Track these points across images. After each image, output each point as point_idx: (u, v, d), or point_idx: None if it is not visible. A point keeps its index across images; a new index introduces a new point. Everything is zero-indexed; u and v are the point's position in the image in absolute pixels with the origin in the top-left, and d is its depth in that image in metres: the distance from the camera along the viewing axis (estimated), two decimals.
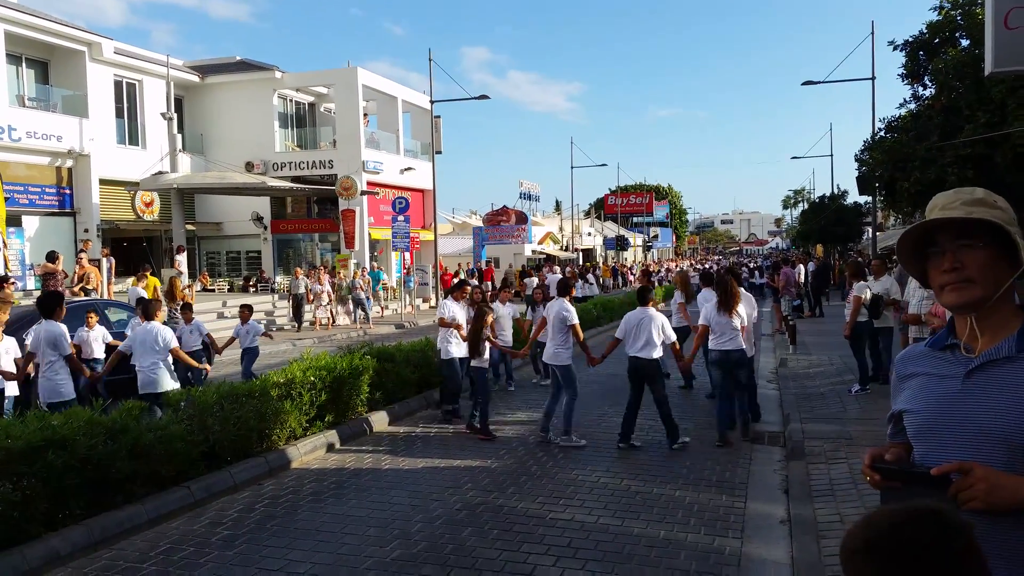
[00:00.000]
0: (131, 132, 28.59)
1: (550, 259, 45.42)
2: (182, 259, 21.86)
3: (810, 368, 12.86)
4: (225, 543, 5.58)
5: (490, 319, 9.16)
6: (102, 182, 26.29)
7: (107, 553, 5.41)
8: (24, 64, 25.49)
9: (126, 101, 28.39)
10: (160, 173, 26.88)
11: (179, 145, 27.66)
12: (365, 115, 33.28)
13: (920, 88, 17.71)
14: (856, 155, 20.99)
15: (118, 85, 27.89)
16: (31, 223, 24.35)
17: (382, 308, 26.87)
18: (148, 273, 17.64)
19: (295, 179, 31.05)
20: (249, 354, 11.38)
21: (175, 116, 27.15)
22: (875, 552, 1.29)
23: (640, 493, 6.63)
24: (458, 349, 9.71)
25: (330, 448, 8.27)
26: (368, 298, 23.48)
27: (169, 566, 5.18)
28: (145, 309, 8.58)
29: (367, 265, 28.67)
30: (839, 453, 7.46)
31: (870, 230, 31.92)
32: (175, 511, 6.18)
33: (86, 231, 25.73)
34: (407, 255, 27.34)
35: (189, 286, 18.79)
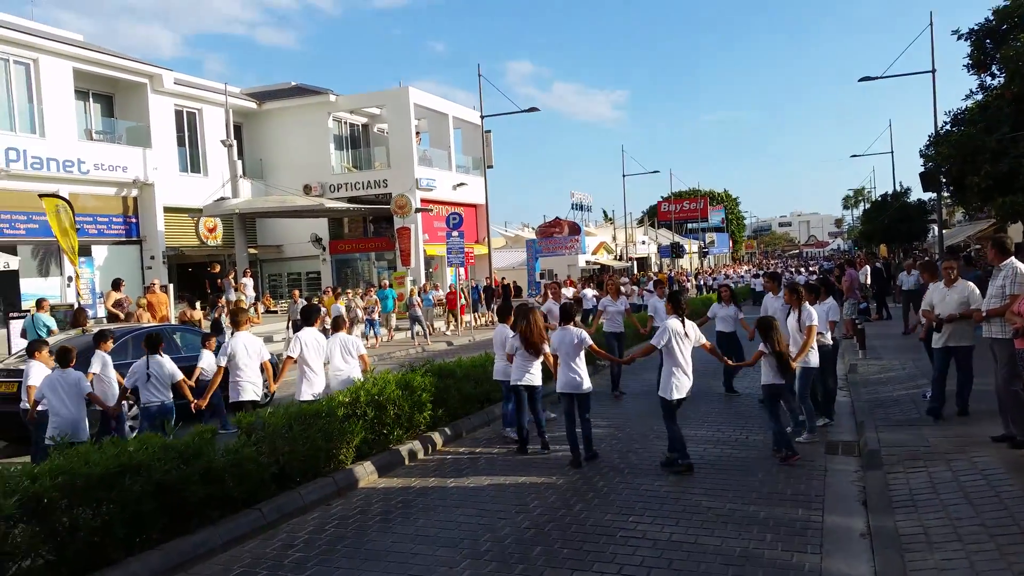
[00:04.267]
0: (193, 160, 29.47)
1: (604, 269, 45.19)
2: (248, 282, 22.32)
3: (881, 373, 12.47)
4: (297, 565, 5.62)
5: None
6: (166, 210, 27.13)
7: None
8: (91, 99, 26.52)
9: (187, 130, 29.29)
10: (222, 199, 27.62)
11: (239, 171, 28.41)
12: (417, 133, 33.70)
13: (988, 78, 17.06)
14: (921, 150, 20.42)
15: (179, 114, 28.80)
16: (100, 252, 25.26)
17: (390, 331, 24.32)
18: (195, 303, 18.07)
19: (351, 199, 31.58)
20: None
21: (235, 143, 27.91)
22: None
23: (712, 508, 6.47)
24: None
25: (396, 466, 8.30)
26: (375, 320, 22.43)
27: None
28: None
29: (423, 281, 28.90)
30: (918, 462, 7.18)
31: (935, 227, 30.95)
32: (248, 533, 6.26)
33: (152, 258, 26.56)
34: (462, 270, 27.49)
35: (253, 305, 19.14)
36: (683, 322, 7.77)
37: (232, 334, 9.15)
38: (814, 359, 8.68)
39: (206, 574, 5.54)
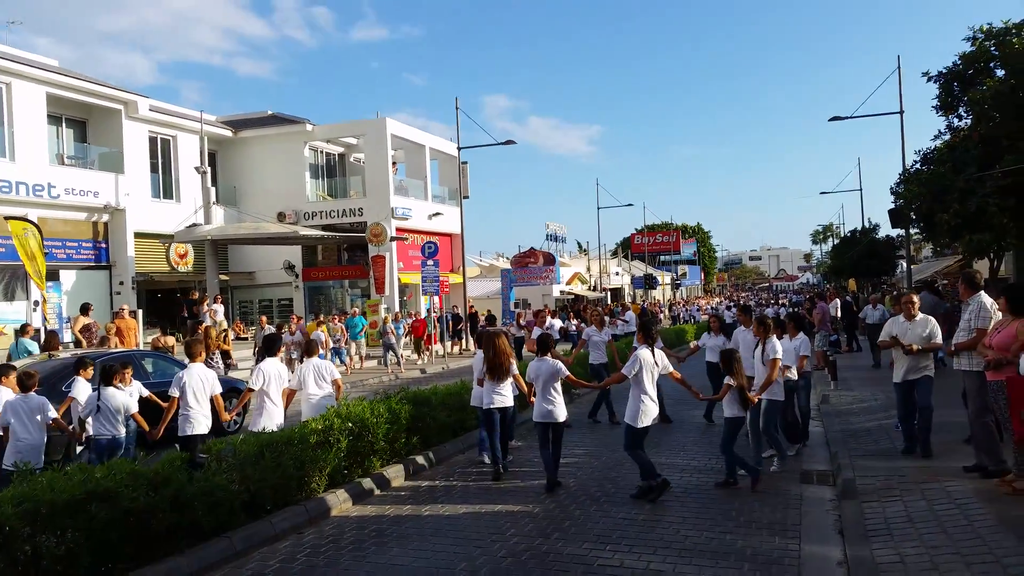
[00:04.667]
0: (165, 186, 29.23)
1: (578, 299, 45.33)
2: (219, 308, 22.06)
3: (853, 404, 12.57)
4: None
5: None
6: (137, 235, 26.83)
7: None
8: (64, 124, 26.27)
9: (160, 156, 29.08)
10: (194, 225, 27.38)
11: (212, 198, 28.22)
12: (394, 163, 33.76)
13: (955, 119, 17.56)
14: (892, 187, 20.83)
15: (153, 141, 28.60)
16: (68, 277, 24.85)
17: (361, 358, 23.74)
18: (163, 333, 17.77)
19: (326, 227, 31.45)
20: None
21: (208, 170, 27.76)
22: None
23: (690, 537, 6.43)
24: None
25: (369, 495, 8.18)
26: (342, 349, 21.73)
27: None
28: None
29: (397, 310, 28.76)
30: (892, 491, 7.21)
31: (904, 263, 31.49)
32: (217, 562, 6.11)
33: (121, 283, 26.20)
34: (436, 299, 27.41)
35: (224, 333, 18.82)
36: (652, 351, 7.85)
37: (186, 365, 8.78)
38: (780, 392, 8.73)
39: None
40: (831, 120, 26.26)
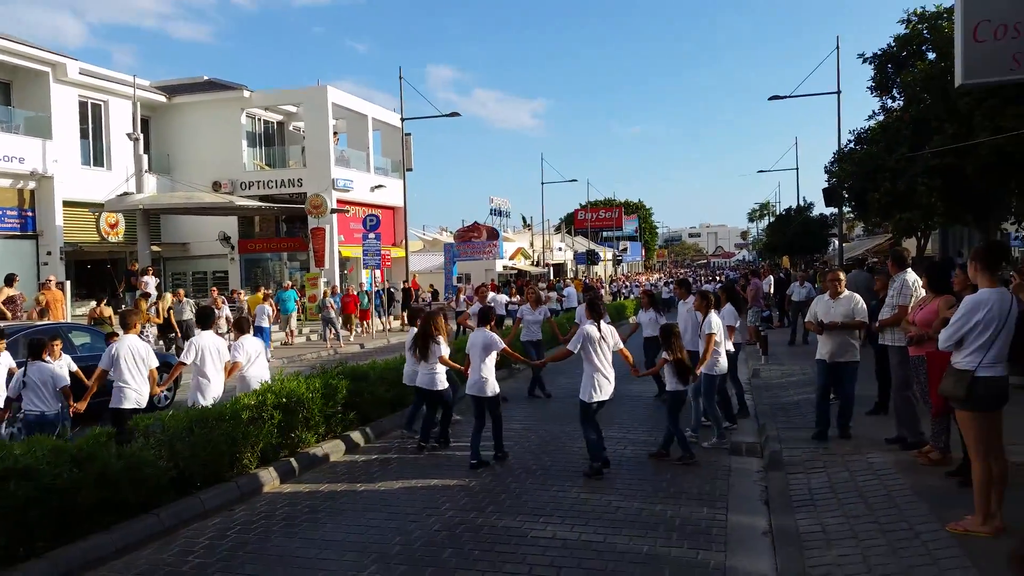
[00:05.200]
0: (96, 153, 28.17)
1: (521, 274, 45.46)
2: (150, 280, 21.42)
3: (783, 378, 12.92)
4: (197, 572, 5.40)
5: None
6: (66, 204, 25.85)
7: None
8: None
9: (91, 122, 27.98)
10: (126, 194, 26.51)
11: (145, 166, 27.31)
12: (335, 133, 33.14)
13: (889, 100, 17.99)
14: (826, 167, 21.30)
15: (83, 106, 27.49)
16: None
17: (291, 334, 23.16)
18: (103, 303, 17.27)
19: (263, 198, 30.76)
20: None
21: (141, 136, 26.83)
22: None
23: (621, 508, 6.55)
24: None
25: (303, 471, 8.09)
26: (267, 327, 20.16)
27: None
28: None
29: (337, 284, 28.40)
30: (817, 463, 7.45)
31: (836, 241, 32.36)
32: (144, 540, 5.98)
33: (49, 253, 25.26)
34: (378, 272, 27.13)
35: (156, 303, 18.25)
36: (599, 327, 7.83)
37: (119, 336, 8.48)
38: (719, 366, 8.89)
39: None
40: (771, 99, 26.75)
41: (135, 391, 8.03)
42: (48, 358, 8.15)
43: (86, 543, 5.63)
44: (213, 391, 8.41)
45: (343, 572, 5.33)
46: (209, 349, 8.43)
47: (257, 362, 9.02)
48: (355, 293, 25.24)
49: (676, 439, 8.11)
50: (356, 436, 9.31)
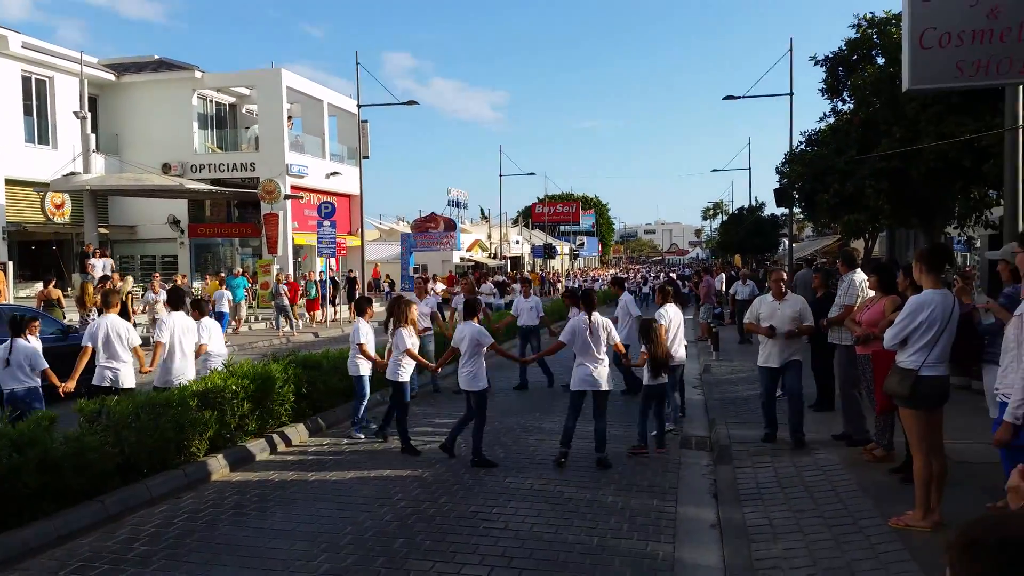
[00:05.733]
0: (41, 131, 27.34)
1: (478, 266, 45.42)
2: (98, 263, 20.88)
3: (733, 374, 13.13)
4: (142, 560, 5.29)
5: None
6: (8, 182, 25.09)
7: (12, 575, 5.06)
8: None
9: (35, 98, 27.15)
10: (72, 174, 25.78)
11: (92, 145, 26.58)
12: (289, 118, 32.66)
13: (839, 103, 18.32)
14: (777, 167, 21.64)
15: (26, 81, 26.65)
16: None
17: (237, 322, 22.27)
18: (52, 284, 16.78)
19: (215, 182, 30.19)
20: None
21: (88, 115, 26.09)
22: (980, 550, 1.31)
23: (573, 499, 6.60)
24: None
25: (253, 460, 7.98)
26: (227, 313, 20.20)
27: None
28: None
29: (291, 271, 28.02)
30: (764, 457, 7.60)
31: (787, 241, 32.98)
32: (87, 527, 5.85)
33: None
34: (332, 261, 26.85)
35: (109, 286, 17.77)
36: (590, 318, 7.81)
37: (99, 315, 8.45)
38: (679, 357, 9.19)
39: (38, 570, 5.13)
40: (725, 99, 27.05)
41: (118, 369, 7.93)
42: (31, 336, 7.96)
43: (27, 531, 5.48)
44: (187, 372, 8.37)
45: (292, 561, 5.27)
46: (181, 329, 8.37)
47: (219, 344, 9.23)
48: (295, 281, 24.36)
49: (641, 433, 8.24)
50: (308, 425, 9.21)
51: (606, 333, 7.87)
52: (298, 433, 8.95)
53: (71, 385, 7.95)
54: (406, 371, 8.53)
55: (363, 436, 9.05)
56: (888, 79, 14.78)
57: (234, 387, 7.94)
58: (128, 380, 7.98)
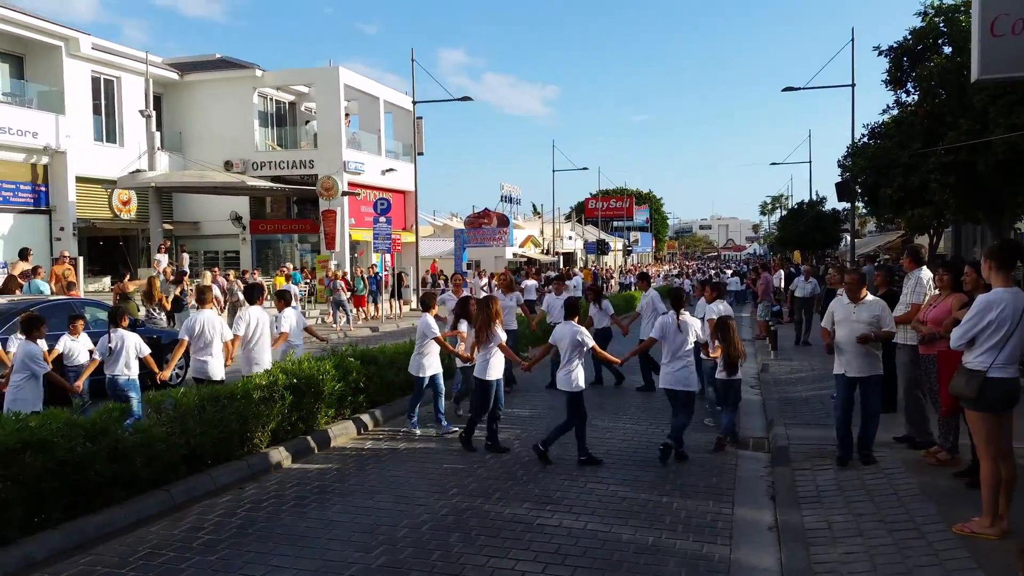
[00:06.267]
0: (108, 129, 28.26)
1: (531, 262, 45.44)
2: (163, 258, 21.56)
3: (791, 374, 12.90)
4: (206, 548, 5.47)
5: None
6: (78, 180, 25.98)
7: (85, 558, 5.27)
8: None
9: (104, 98, 28.06)
10: (138, 171, 26.60)
11: (157, 143, 27.40)
12: (347, 115, 33.13)
13: (903, 95, 17.81)
14: (839, 160, 21.18)
15: (95, 81, 27.56)
16: (5, 221, 23.99)
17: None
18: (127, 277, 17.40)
19: (275, 179, 30.82)
20: None
21: (153, 114, 26.91)
22: None
23: (628, 499, 6.58)
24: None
25: (313, 452, 8.16)
26: (296, 307, 20.35)
27: (149, 572, 5.06)
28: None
29: (347, 268, 28.44)
30: (824, 459, 7.46)
31: (848, 236, 32.22)
32: (155, 515, 6.06)
33: (62, 229, 25.43)
34: (388, 257, 27.17)
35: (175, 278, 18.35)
36: (678, 316, 8.00)
37: (197, 310, 8.95)
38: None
39: (110, 555, 5.33)
40: (784, 91, 26.47)
41: (207, 361, 8.49)
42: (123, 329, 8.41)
43: (99, 516, 5.71)
44: (264, 362, 8.89)
45: (351, 553, 5.38)
46: (257, 321, 8.96)
47: (297, 334, 9.91)
48: (344, 277, 24.48)
49: (724, 426, 8.35)
50: (366, 419, 9.37)
51: (693, 331, 7.99)
52: (356, 427, 9.10)
53: (166, 374, 8.67)
54: (496, 369, 8.32)
55: (419, 432, 9.03)
56: (955, 69, 14.34)
57: (294, 380, 8.13)
58: (218, 372, 8.55)
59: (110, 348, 8.16)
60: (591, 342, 8.03)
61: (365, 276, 25.31)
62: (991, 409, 5.15)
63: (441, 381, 9.27)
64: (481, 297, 9.33)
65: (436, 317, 9.27)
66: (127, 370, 8.23)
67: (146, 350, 8.46)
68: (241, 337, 8.83)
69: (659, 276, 43.05)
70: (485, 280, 26.24)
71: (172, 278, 17.91)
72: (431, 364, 9.08)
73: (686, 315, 8.06)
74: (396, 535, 5.73)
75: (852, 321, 7.12)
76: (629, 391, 11.87)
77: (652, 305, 12.02)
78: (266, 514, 6.22)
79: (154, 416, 6.90)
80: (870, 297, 7.30)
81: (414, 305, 28.45)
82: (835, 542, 5.40)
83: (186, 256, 23.81)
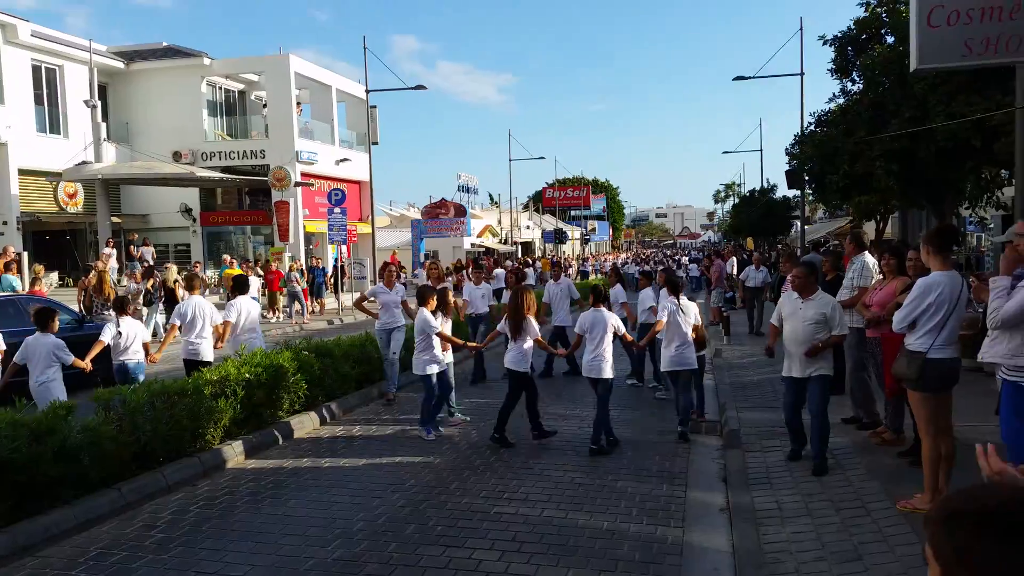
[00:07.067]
0: (52, 120, 27.47)
1: (489, 252, 45.43)
2: (111, 252, 21.08)
3: (743, 358, 13.14)
4: (159, 546, 5.40)
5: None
6: (21, 172, 25.25)
7: (32, 561, 5.17)
8: None
9: (46, 87, 27.25)
10: (84, 163, 25.94)
11: (103, 134, 26.73)
12: (298, 104, 32.68)
13: (849, 83, 18.14)
14: (787, 149, 21.48)
15: (36, 70, 26.75)
16: None
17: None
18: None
19: (225, 169, 30.28)
20: None
21: (99, 104, 26.22)
22: (959, 522, 1.32)
23: (583, 485, 6.66)
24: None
25: (267, 447, 8.08)
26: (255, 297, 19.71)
27: (100, 572, 4.98)
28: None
29: (301, 259, 28.11)
30: (774, 441, 7.62)
31: (799, 223, 32.81)
32: (105, 515, 5.95)
33: (5, 223, 24.70)
34: (343, 248, 26.92)
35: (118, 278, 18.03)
36: (678, 299, 8.53)
37: (184, 297, 9.58)
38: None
39: (59, 556, 5.24)
40: (735, 79, 26.79)
41: (199, 344, 8.91)
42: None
43: (47, 517, 5.59)
44: (256, 347, 9.23)
45: (306, 547, 5.36)
46: (249, 310, 9.51)
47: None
48: (276, 269, 23.39)
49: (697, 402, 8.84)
50: (321, 412, 9.30)
51: (692, 315, 8.52)
52: (311, 420, 9.04)
53: (157, 357, 9.05)
54: (526, 361, 8.16)
55: (433, 436, 8.46)
56: (897, 59, 14.65)
57: (247, 375, 8.04)
58: (208, 354, 8.94)
59: (119, 332, 8.55)
60: (623, 329, 8.38)
61: (302, 269, 24.32)
62: (931, 389, 5.31)
63: (451, 377, 8.96)
64: (516, 286, 9.15)
65: (433, 312, 8.79)
66: (136, 355, 8.72)
67: (148, 336, 9.14)
68: (232, 324, 9.21)
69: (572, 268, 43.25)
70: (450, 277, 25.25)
71: (140, 274, 17.48)
72: (436, 360, 8.61)
73: (684, 300, 8.62)
74: (352, 528, 5.72)
75: (798, 319, 6.66)
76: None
77: (614, 296, 11.73)
78: (220, 511, 6.16)
79: (102, 414, 6.77)
80: (822, 294, 6.77)
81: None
82: (784, 522, 5.53)
83: (151, 249, 23.12)
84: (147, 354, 8.91)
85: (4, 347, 8.49)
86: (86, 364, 8.16)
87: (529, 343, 8.10)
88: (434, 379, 8.55)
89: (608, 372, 7.92)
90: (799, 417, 6.90)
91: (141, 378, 8.45)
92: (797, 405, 6.83)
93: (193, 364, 8.74)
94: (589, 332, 8.02)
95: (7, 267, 13.76)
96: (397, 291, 10.65)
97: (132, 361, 8.68)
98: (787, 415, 6.98)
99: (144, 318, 15.72)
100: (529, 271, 24.51)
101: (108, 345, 8.52)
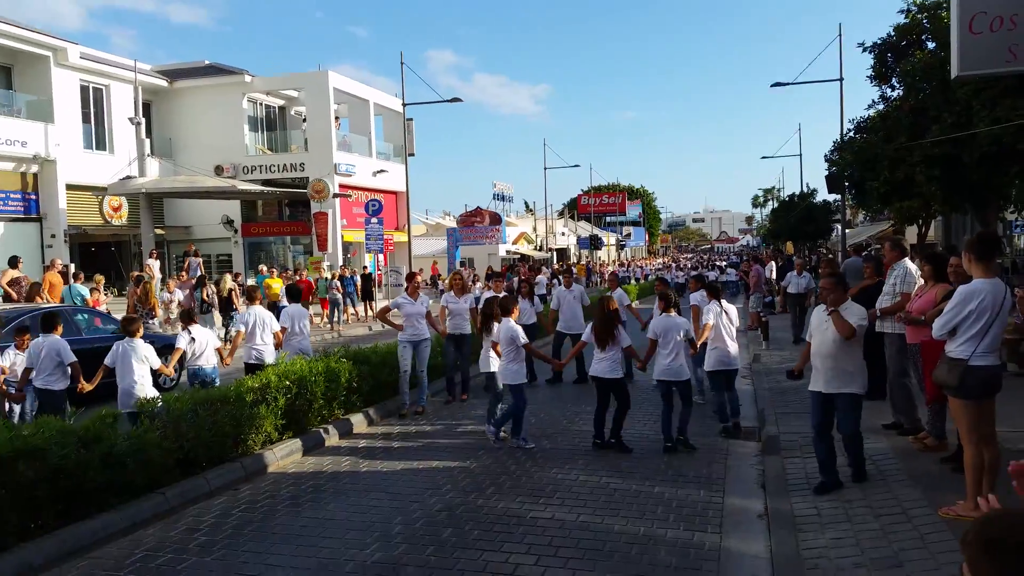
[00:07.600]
0: (98, 137, 28.25)
1: (524, 259, 45.51)
2: (154, 263, 21.58)
3: (783, 363, 12.97)
4: (203, 549, 5.52)
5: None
6: (69, 187, 25.97)
7: (82, 563, 5.32)
8: None
9: (93, 106, 28.04)
10: (128, 178, 26.61)
11: (147, 150, 27.43)
12: (336, 118, 33.16)
13: (888, 89, 17.95)
14: (826, 155, 21.31)
15: (84, 90, 27.54)
16: None
17: None
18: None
19: (266, 182, 30.84)
20: None
21: (143, 121, 26.92)
22: (1000, 551, 1.36)
23: (619, 490, 6.65)
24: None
25: (307, 452, 8.21)
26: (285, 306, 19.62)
27: (145, 574, 5.11)
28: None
29: (338, 268, 28.43)
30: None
31: (839, 227, 32.35)
32: (150, 519, 6.10)
33: (53, 236, 25.42)
34: (380, 257, 27.21)
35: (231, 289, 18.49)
36: (720, 303, 8.91)
37: (247, 308, 10.22)
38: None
39: (106, 559, 5.38)
40: (773, 86, 26.61)
41: (262, 349, 9.64)
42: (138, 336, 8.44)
43: (94, 522, 5.75)
44: (307, 351, 10.05)
45: (345, 550, 5.44)
46: (298, 316, 10.27)
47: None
48: (308, 278, 23.24)
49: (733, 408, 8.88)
50: (359, 418, 9.42)
51: (735, 317, 8.93)
52: (350, 426, 9.15)
53: (229, 360, 9.72)
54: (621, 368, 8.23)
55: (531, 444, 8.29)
56: (938, 65, 14.46)
57: (287, 382, 8.18)
58: (269, 357, 9.58)
59: (192, 340, 9.04)
60: (693, 334, 8.52)
61: (337, 277, 24.38)
62: (972, 397, 5.22)
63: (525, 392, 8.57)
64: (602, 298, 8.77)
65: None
66: (210, 361, 9.18)
67: (218, 344, 9.54)
68: (288, 330, 10.02)
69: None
70: (480, 283, 25.09)
71: (192, 282, 18.09)
72: (523, 372, 8.52)
73: (725, 303, 9.00)
74: (390, 532, 5.79)
75: (825, 332, 6.21)
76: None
77: (620, 301, 11.52)
78: (261, 514, 6.27)
79: (147, 422, 6.94)
80: (852, 305, 6.28)
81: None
82: (823, 528, 5.47)
83: (199, 260, 23.39)
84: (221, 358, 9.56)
85: (6, 364, 8.58)
86: (170, 370, 9.43)
87: (621, 352, 8.11)
88: (518, 389, 8.37)
89: (687, 374, 8.27)
90: (825, 443, 6.25)
91: (217, 381, 9.09)
92: (825, 426, 6.26)
93: (256, 367, 9.33)
94: (662, 337, 8.13)
95: (74, 277, 14.28)
96: (422, 302, 10.36)
97: (208, 366, 9.17)
98: (814, 439, 6.39)
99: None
100: (541, 278, 24.22)
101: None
